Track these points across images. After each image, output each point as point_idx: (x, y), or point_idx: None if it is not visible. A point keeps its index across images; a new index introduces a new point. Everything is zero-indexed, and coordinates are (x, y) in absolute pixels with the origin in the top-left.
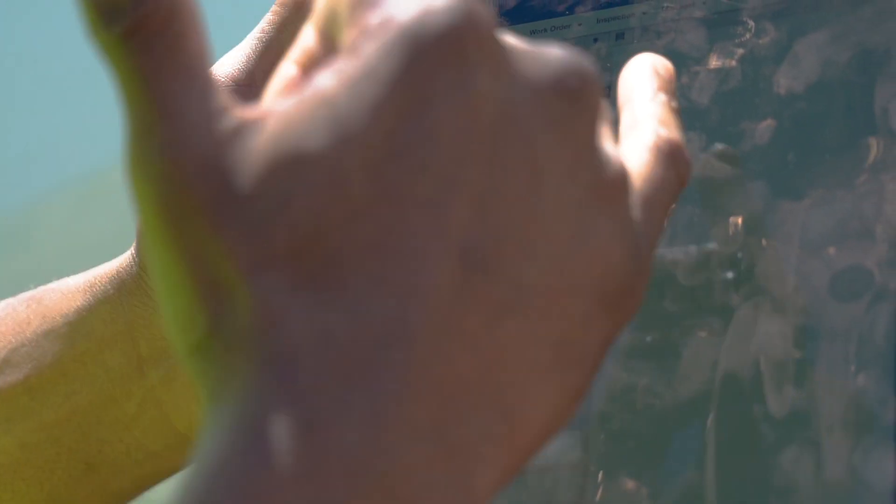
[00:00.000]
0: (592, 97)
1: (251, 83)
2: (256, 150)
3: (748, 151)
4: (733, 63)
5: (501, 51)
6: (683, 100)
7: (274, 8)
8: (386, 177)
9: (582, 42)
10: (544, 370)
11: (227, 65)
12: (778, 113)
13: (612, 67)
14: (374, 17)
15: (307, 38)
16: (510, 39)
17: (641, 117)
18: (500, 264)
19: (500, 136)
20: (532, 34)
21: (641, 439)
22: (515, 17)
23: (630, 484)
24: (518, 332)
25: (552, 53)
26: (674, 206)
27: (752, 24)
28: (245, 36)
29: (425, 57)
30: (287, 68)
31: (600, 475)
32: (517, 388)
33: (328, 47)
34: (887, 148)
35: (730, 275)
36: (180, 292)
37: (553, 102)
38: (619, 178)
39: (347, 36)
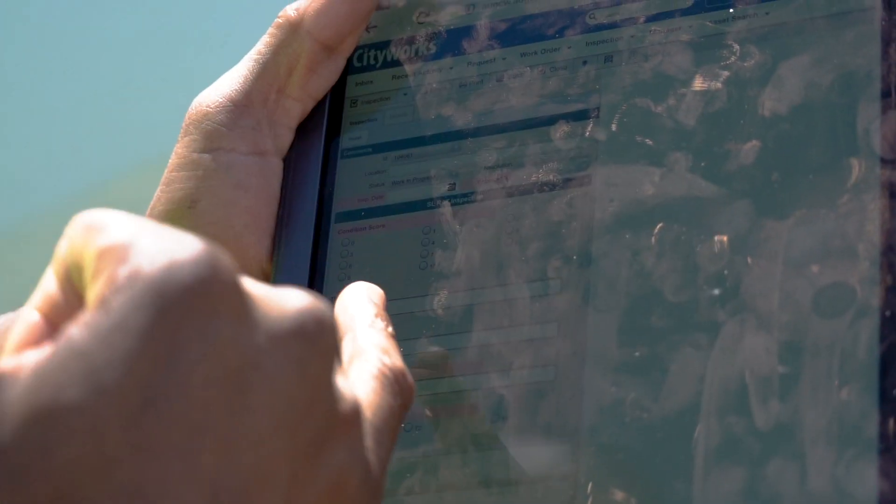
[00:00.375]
0: (328, 338)
1: (248, 104)
2: (12, 403)
3: (733, 171)
4: (719, 85)
5: (244, 298)
6: (671, 121)
7: (270, 30)
8: (140, 426)
9: (571, 64)
10: None
11: (224, 85)
12: (762, 134)
13: (600, 89)
14: (121, 271)
15: (48, 284)
16: (253, 286)
17: (364, 346)
18: (249, 503)
19: (244, 380)
20: (523, 56)
21: (630, 451)
22: (506, 41)
23: (619, 495)
24: None
25: (292, 299)
26: (401, 428)
27: (737, 47)
28: (242, 57)
29: (173, 309)
30: (29, 314)
31: (590, 486)
32: None
33: (70, 294)
34: (868, 168)
35: (716, 291)
36: None
37: (292, 345)
38: (353, 410)
39: (94, 288)
